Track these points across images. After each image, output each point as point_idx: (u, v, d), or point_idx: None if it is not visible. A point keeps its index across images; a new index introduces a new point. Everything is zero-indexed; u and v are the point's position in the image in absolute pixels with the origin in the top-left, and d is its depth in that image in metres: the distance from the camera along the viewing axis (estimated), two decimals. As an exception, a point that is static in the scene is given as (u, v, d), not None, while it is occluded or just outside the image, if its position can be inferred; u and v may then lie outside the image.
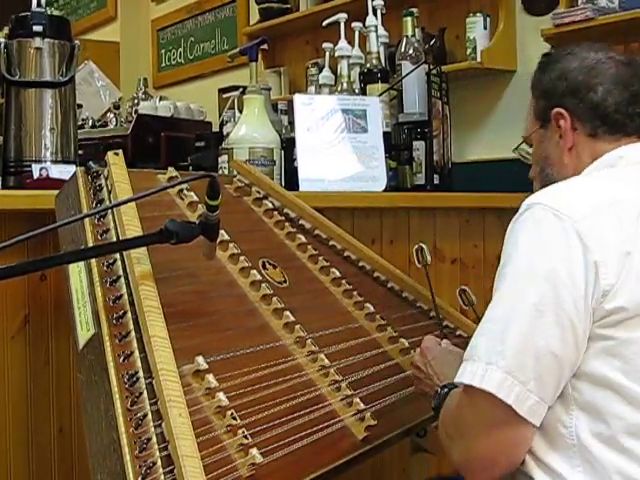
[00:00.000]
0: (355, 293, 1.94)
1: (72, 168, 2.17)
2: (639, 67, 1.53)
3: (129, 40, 5.03)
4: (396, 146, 2.70)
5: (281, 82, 3.95)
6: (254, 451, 1.35)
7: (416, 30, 2.71)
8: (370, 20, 2.71)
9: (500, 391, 1.26)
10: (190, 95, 4.34)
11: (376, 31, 2.70)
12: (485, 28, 2.90)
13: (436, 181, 2.78)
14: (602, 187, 1.40)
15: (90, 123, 3.86)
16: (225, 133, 3.45)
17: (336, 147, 2.47)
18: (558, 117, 1.52)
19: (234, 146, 2.50)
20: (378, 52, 2.71)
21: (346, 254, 2.09)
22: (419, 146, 2.76)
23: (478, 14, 2.93)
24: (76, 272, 1.52)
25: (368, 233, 2.43)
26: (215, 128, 3.96)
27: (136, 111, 3.98)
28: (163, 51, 4.94)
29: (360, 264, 2.10)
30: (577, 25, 2.63)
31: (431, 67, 2.60)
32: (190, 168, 3.49)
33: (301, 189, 2.37)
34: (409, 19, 2.68)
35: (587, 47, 1.55)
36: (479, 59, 2.88)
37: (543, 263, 1.29)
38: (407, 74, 2.58)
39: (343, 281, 1.96)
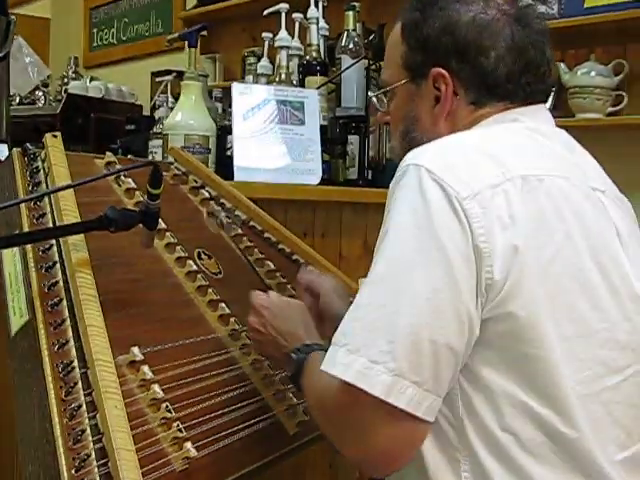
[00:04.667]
0: (289, 287, 1.94)
1: (3, 147, 2.12)
2: (533, 28, 1.34)
3: (60, 17, 4.93)
4: (332, 140, 2.69)
5: (216, 69, 3.92)
6: (188, 445, 1.34)
7: (357, 25, 2.70)
8: (312, 12, 2.69)
9: (390, 396, 1.11)
10: (121, 77, 4.28)
11: (317, 23, 2.68)
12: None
13: (369, 176, 2.79)
14: (491, 154, 1.22)
15: (17, 100, 3.78)
16: (157, 117, 3.42)
17: (272, 138, 2.45)
18: (438, 78, 1.34)
19: (169, 132, 2.47)
20: (318, 45, 2.70)
21: (280, 247, 2.07)
22: (353, 140, 2.76)
23: (418, 12, 2.93)
24: (10, 256, 1.48)
25: (300, 226, 2.42)
26: (146, 112, 3.91)
27: (66, 90, 3.91)
28: (95, 30, 4.85)
29: (294, 257, 2.09)
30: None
31: (371, 62, 2.60)
32: (119, 151, 3.44)
33: (236, 178, 2.34)
34: (351, 13, 2.67)
35: None
36: (417, 57, 2.88)
37: (432, 243, 1.13)
38: (346, 68, 2.57)
39: (277, 274, 1.95)
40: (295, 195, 2.41)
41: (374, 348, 1.12)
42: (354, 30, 2.68)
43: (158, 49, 4.24)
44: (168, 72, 3.73)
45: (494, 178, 1.18)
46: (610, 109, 2.52)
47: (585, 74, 2.47)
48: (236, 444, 1.44)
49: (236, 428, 1.46)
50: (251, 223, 2.05)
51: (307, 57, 2.72)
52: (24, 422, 1.29)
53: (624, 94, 2.51)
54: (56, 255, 1.48)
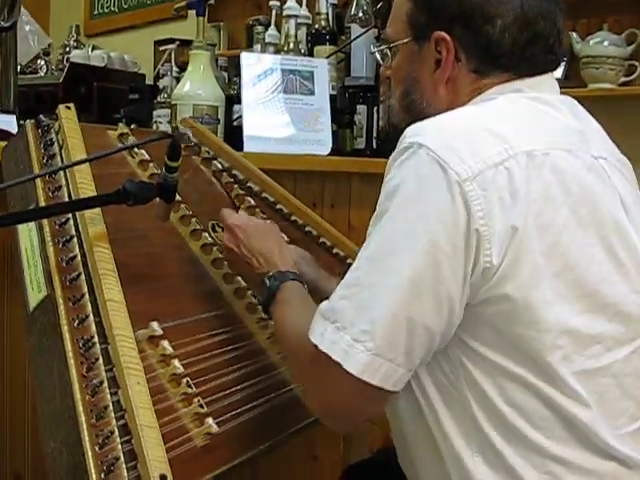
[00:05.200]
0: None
1: (11, 118, 2.10)
2: None
3: (60, -16, 4.88)
4: (341, 110, 2.67)
5: (220, 37, 3.88)
6: (210, 420, 1.33)
7: (368, -7, 2.67)
8: (321, -20, 2.66)
9: (365, 373, 1.14)
10: (123, 45, 4.23)
11: (326, -9, 2.65)
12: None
13: (376, 146, 2.77)
14: (493, 131, 1.19)
15: (19, 69, 3.74)
16: (161, 87, 3.38)
17: (282, 108, 2.43)
18: (440, 43, 1.30)
19: (178, 102, 2.45)
20: (327, 13, 2.67)
21: (293, 218, 2.06)
22: (361, 110, 2.74)
23: (427, -21, 2.89)
24: (26, 230, 1.46)
25: (309, 196, 2.40)
26: (149, 80, 3.88)
27: (68, 59, 3.87)
28: (97, -2, 4.81)
29: (306, 229, 2.07)
30: None
31: (380, 31, 2.57)
32: (123, 120, 3.41)
33: (245, 149, 2.32)
34: (361, -19, 2.64)
35: None
36: (426, 25, 2.84)
37: (423, 228, 1.12)
38: (356, 37, 2.55)
39: (291, 246, 1.93)
40: (305, 166, 2.39)
41: (357, 327, 1.15)
42: (365, -1, 2.65)
43: (160, 17, 4.20)
44: (171, 41, 3.68)
45: (496, 156, 1.16)
46: (623, 79, 2.49)
47: (598, 44, 2.44)
48: (255, 419, 1.43)
49: (255, 403, 1.45)
50: (263, 194, 2.02)
51: (316, 26, 2.69)
52: (44, 398, 1.28)
53: (637, 64, 2.48)
54: (73, 229, 1.46)
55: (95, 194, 1.48)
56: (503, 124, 1.22)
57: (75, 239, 1.45)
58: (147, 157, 1.76)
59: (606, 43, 2.44)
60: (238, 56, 3.26)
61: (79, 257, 1.42)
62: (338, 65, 2.67)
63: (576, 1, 2.40)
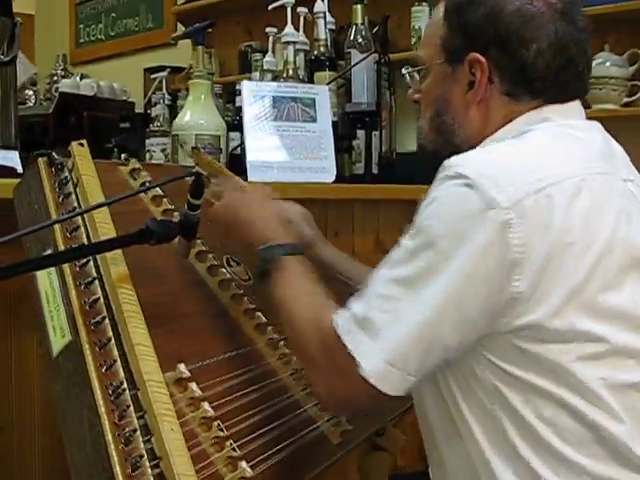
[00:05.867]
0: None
1: (13, 154, 2.06)
2: (577, 25, 1.33)
3: (44, 13, 4.82)
4: (342, 136, 2.65)
5: (212, 64, 3.85)
6: (243, 464, 1.30)
7: (365, 18, 2.66)
8: (319, 6, 2.64)
9: (379, 382, 1.21)
10: (111, 73, 4.21)
11: (324, 17, 2.63)
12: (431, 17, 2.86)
13: (375, 171, 2.75)
14: (533, 162, 1.24)
15: (6, 100, 3.70)
16: (154, 115, 3.35)
17: (284, 136, 2.41)
18: (475, 64, 1.33)
19: (179, 132, 2.42)
20: (326, 39, 2.65)
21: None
22: (360, 135, 2.72)
23: (424, 3, 2.89)
24: (45, 273, 1.42)
25: (315, 225, 2.38)
26: (139, 109, 3.85)
27: (56, 89, 3.84)
28: (82, 26, 4.75)
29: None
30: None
31: (381, 56, 2.56)
32: (115, 150, 3.38)
33: (249, 178, 2.30)
34: (359, 7, 2.62)
35: None
36: (424, 49, 2.84)
37: (459, 257, 1.16)
38: (357, 62, 2.53)
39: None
40: (308, 194, 2.36)
41: (386, 338, 1.20)
42: (362, 24, 2.63)
43: (149, 44, 4.17)
44: (162, 68, 3.67)
45: (536, 184, 1.19)
46: (626, 99, 2.49)
47: (600, 64, 2.44)
48: (285, 460, 1.40)
49: (284, 443, 1.42)
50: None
51: (315, 52, 2.67)
52: (75, 447, 1.24)
53: (639, 84, 2.48)
54: (93, 270, 1.43)
55: (114, 233, 1.45)
56: (542, 154, 1.26)
57: (97, 281, 1.41)
58: (160, 192, 1.73)
59: (608, 64, 2.44)
60: (231, 83, 3.27)
61: (102, 299, 1.38)
62: (338, 91, 2.65)
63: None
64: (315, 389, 1.39)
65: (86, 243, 1.46)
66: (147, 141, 3.29)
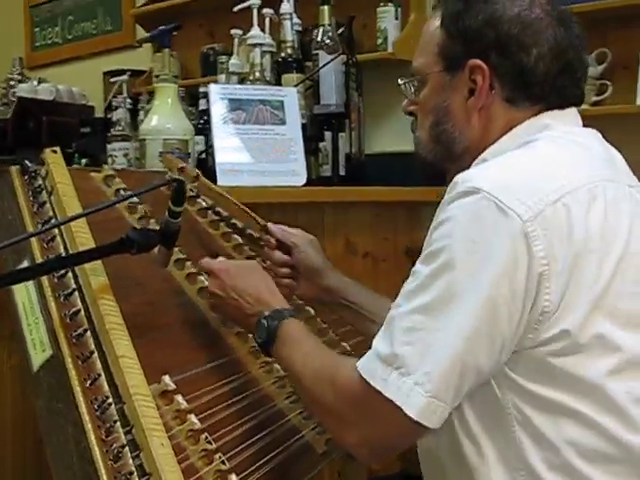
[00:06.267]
0: (294, 297, 1.86)
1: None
2: (574, 31, 1.33)
3: (-3, 16, 4.74)
4: (310, 138, 2.62)
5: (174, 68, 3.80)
6: (233, 477, 1.28)
7: (332, 19, 2.63)
8: (285, 7, 2.61)
9: (422, 417, 1.14)
10: (69, 77, 4.12)
11: (291, 19, 2.60)
12: (397, 18, 2.84)
13: (342, 173, 2.73)
14: (546, 172, 1.22)
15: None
16: (115, 119, 3.29)
17: (254, 139, 2.37)
18: (476, 70, 1.31)
19: (146, 137, 2.37)
20: (293, 41, 2.62)
21: (277, 253, 1.99)
22: (327, 137, 2.70)
23: (390, 3, 2.87)
24: (21, 285, 1.38)
25: (284, 228, 2.35)
26: (99, 113, 3.79)
27: (14, 93, 3.76)
28: (37, 29, 4.66)
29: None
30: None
31: (349, 57, 2.53)
32: (75, 155, 3.32)
33: (219, 183, 2.26)
34: (326, 8, 2.60)
35: None
36: (391, 50, 2.83)
37: (485, 274, 1.13)
38: (326, 64, 2.50)
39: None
40: (279, 198, 2.33)
41: (420, 371, 1.14)
42: (329, 25, 2.61)
43: (107, 47, 4.10)
44: (122, 72, 3.60)
45: (553, 194, 1.17)
46: (595, 98, 2.49)
47: (569, 63, 2.43)
48: (273, 471, 1.37)
49: (271, 455, 1.39)
50: (248, 231, 1.96)
51: (282, 54, 2.64)
52: (61, 465, 1.21)
53: (608, 83, 2.48)
54: (72, 281, 1.39)
55: (93, 243, 1.41)
56: (552, 164, 1.24)
57: (76, 292, 1.37)
58: (136, 200, 1.69)
59: (577, 63, 2.44)
60: (194, 86, 3.23)
61: (82, 311, 1.35)
62: (306, 93, 2.63)
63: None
64: (350, 448, 1.27)
65: (64, 253, 1.43)
66: (108, 146, 3.24)
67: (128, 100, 3.39)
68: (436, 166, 1.42)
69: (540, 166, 1.23)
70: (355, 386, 1.20)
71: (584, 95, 1.39)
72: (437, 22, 1.37)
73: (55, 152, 1.56)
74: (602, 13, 2.46)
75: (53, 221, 1.47)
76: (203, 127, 2.93)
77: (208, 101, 2.88)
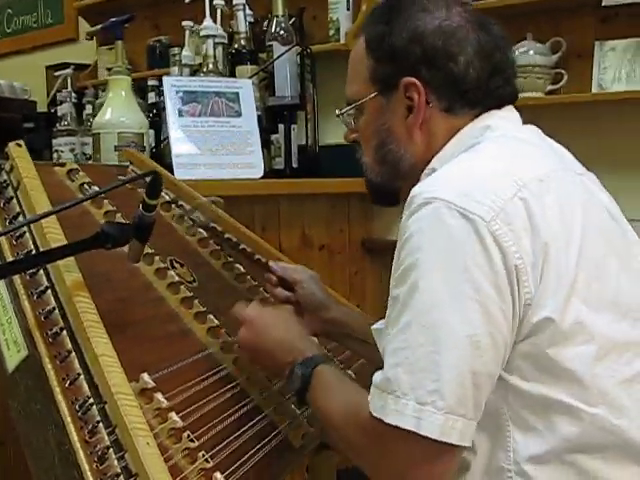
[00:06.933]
0: (261, 290, 1.84)
1: None
2: (496, 32, 1.35)
3: None
4: (265, 130, 2.60)
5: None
6: (218, 475, 1.26)
7: (285, 10, 2.61)
8: (238, -2, 2.58)
9: (443, 435, 1.11)
10: (8, 72, 4.02)
11: (244, 10, 2.57)
12: (348, 9, 2.82)
13: (295, 165, 2.72)
14: (497, 170, 1.22)
15: None
16: (60, 114, 3.23)
17: (210, 132, 2.34)
18: (410, 88, 1.32)
19: (100, 131, 2.33)
20: (246, 32, 2.59)
21: (241, 247, 1.97)
22: (279, 129, 2.68)
23: (341, -6, 2.85)
24: (-8, 284, 1.33)
25: (240, 221, 2.33)
26: (42, 108, 3.70)
27: (-46, 89, 3.66)
28: (-25, 23, 4.55)
29: (255, 257, 1.99)
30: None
31: (304, 49, 2.51)
32: (19, 151, 3.24)
33: (176, 176, 2.23)
34: (280, -2, 2.57)
35: (437, 1, 1.34)
36: (343, 40, 2.81)
37: (462, 277, 1.12)
38: (281, 55, 2.48)
39: (248, 277, 1.86)
40: (235, 191, 2.30)
41: (421, 389, 1.11)
42: (283, 16, 2.58)
43: (49, 41, 4.01)
44: (65, 65, 3.53)
45: (509, 190, 1.17)
46: (550, 87, 2.50)
47: (524, 53, 2.43)
48: (255, 468, 1.35)
49: (252, 452, 1.37)
50: (211, 225, 1.93)
51: (235, 45, 2.61)
52: (41, 468, 1.16)
53: (563, 72, 2.50)
54: (44, 278, 1.35)
55: (64, 239, 1.37)
56: (499, 162, 1.24)
57: (49, 290, 1.33)
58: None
59: (532, 52, 2.44)
60: (142, 79, 3.18)
61: (57, 309, 1.30)
62: (260, 84, 2.60)
63: (497, 12, 2.41)
64: None
65: (34, 250, 1.38)
66: (54, 141, 3.18)
67: (73, 94, 3.33)
68: (387, 187, 1.41)
69: (489, 166, 1.24)
70: (368, 423, 1.17)
71: (517, 91, 1.41)
72: (362, 48, 1.38)
73: (20, 146, 1.51)
74: (555, 2, 2.48)
75: (21, 218, 1.42)
76: (153, 120, 2.88)
77: (160, 94, 2.87)
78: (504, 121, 1.34)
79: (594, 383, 1.17)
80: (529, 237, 1.15)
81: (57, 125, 3.22)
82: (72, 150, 3.15)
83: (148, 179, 1.33)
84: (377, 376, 1.17)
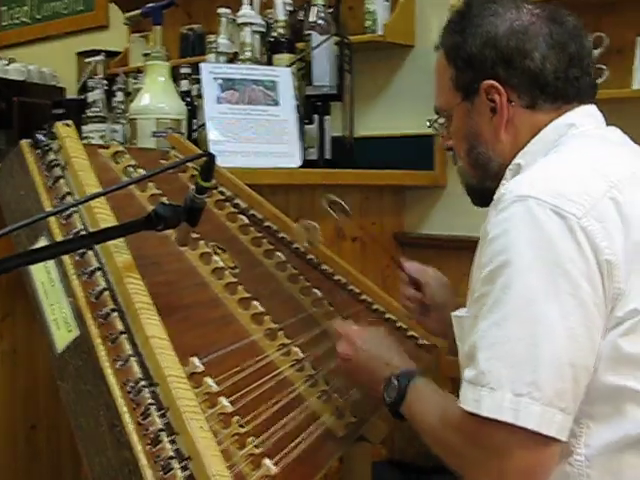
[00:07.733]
0: (301, 278, 1.83)
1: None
2: (569, 24, 1.37)
3: (-38, -6, 4.60)
4: (302, 120, 2.57)
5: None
6: (267, 461, 1.24)
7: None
8: (278, -13, 2.56)
9: (542, 426, 1.12)
10: (37, 58, 4.02)
11: (283, -2, 2.55)
12: (387, 0, 2.81)
13: (328, 156, 2.69)
14: (587, 169, 1.25)
15: None
16: (91, 100, 3.21)
17: (248, 120, 2.32)
18: (490, 90, 1.36)
19: (138, 116, 2.30)
20: (285, 21, 2.57)
21: (281, 235, 1.95)
22: (314, 120, 2.65)
23: (379, -14, 2.83)
24: (40, 264, 1.32)
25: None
26: (71, 94, 3.70)
27: (-18, 73, 3.66)
28: (5, 8, 4.53)
29: (293, 246, 1.97)
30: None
31: (344, 38, 2.49)
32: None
33: (214, 164, 2.21)
34: (320, -13, 2.55)
35: (506, 3, 1.39)
36: (381, 32, 2.78)
37: (558, 272, 1.14)
38: (320, 44, 2.46)
39: (288, 265, 1.84)
40: (271, 180, 2.28)
41: (518, 381, 1.13)
42: (323, 5, 2.56)
43: (78, 28, 4.00)
44: (96, 52, 3.52)
45: (598, 190, 1.21)
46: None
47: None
48: (300, 456, 1.34)
49: (297, 440, 1.35)
50: (251, 212, 1.92)
51: (273, 34, 2.58)
52: (93, 451, 1.15)
53: (604, 67, 2.47)
54: (94, 259, 1.33)
55: (114, 220, 1.36)
56: (588, 161, 1.28)
57: (98, 271, 1.31)
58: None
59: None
60: (175, 67, 3.15)
61: (107, 291, 1.29)
62: (297, 73, 2.57)
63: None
64: None
65: (83, 230, 1.36)
66: (84, 127, 3.16)
67: (104, 81, 3.31)
68: (482, 188, 1.44)
69: (578, 165, 1.27)
70: (463, 421, 1.19)
71: (596, 83, 1.42)
72: (443, 59, 1.43)
73: (68, 125, 1.50)
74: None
75: (69, 198, 1.41)
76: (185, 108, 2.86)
77: (193, 82, 2.84)
78: (588, 119, 1.37)
79: None
80: (620, 234, 1.17)
81: (87, 112, 3.21)
82: (102, 137, 3.12)
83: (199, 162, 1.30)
84: (468, 372, 1.18)
